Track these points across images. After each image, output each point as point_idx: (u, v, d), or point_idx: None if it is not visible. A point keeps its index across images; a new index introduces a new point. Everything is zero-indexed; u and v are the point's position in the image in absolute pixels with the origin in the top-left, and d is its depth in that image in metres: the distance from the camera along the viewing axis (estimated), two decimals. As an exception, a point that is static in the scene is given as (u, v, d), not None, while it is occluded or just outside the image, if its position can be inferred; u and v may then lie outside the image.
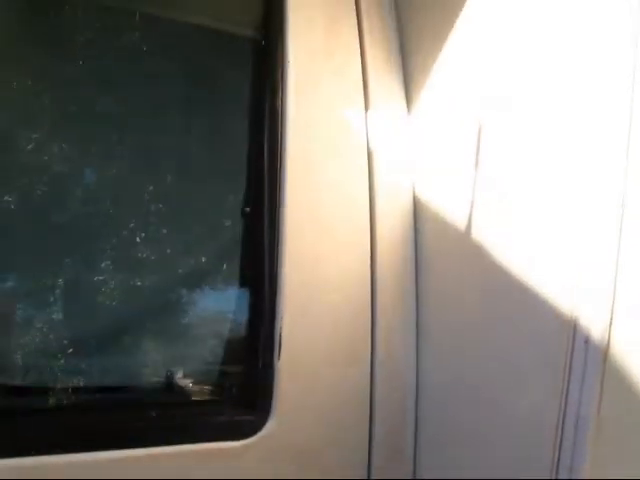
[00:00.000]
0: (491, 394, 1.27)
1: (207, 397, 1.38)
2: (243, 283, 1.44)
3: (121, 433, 1.24)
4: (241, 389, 1.38)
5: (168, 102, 1.47)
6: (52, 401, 1.24)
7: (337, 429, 1.38)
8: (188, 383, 1.36)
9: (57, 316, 1.30)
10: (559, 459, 1.11)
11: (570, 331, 1.11)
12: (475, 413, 1.30)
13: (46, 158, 1.33)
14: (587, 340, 1.09)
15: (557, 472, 1.11)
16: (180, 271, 1.42)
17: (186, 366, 1.38)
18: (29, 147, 1.30)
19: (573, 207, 1.14)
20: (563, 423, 1.11)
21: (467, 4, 1.38)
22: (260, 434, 1.29)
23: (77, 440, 1.19)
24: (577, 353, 1.10)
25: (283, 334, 1.32)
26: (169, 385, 1.35)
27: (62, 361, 1.27)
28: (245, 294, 1.43)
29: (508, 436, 1.22)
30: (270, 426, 1.30)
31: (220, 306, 1.46)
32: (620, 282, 1.07)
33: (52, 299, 1.30)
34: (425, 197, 1.47)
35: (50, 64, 1.36)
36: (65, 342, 1.28)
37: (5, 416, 1.18)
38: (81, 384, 1.28)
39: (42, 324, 1.27)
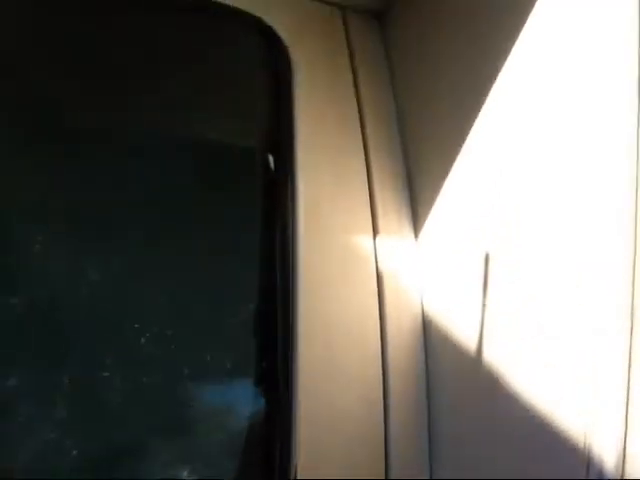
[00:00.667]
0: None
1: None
2: (255, 419, 1.43)
3: None
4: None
5: (175, 215, 1.47)
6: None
7: None
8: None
9: (63, 419, 1.24)
10: None
11: (584, 464, 1.11)
12: None
13: (53, 260, 1.32)
14: (601, 472, 1.09)
15: None
16: (191, 400, 1.42)
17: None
18: (35, 249, 1.30)
19: (583, 333, 1.15)
20: None
21: (472, 132, 1.44)
22: None
23: None
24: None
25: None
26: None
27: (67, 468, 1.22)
28: (257, 428, 1.42)
29: None
30: None
31: (233, 442, 1.44)
32: (632, 409, 1.08)
33: (57, 402, 1.24)
34: (434, 321, 1.49)
35: (56, 170, 1.39)
36: (71, 449, 1.22)
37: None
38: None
39: (46, 427, 1.22)
